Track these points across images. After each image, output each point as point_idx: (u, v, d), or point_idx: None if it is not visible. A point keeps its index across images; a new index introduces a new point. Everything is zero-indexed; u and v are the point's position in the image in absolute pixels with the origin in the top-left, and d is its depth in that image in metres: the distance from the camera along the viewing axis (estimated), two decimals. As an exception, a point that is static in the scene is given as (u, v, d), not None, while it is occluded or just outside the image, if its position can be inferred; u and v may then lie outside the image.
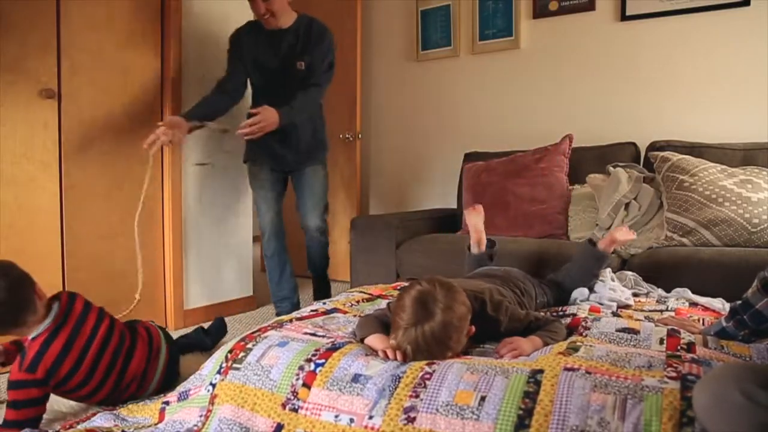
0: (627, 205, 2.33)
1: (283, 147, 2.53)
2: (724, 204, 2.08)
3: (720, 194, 2.11)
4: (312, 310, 1.60)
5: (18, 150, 2.03)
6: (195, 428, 1.21)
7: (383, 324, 1.32)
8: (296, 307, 2.62)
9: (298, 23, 2.50)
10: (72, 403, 1.57)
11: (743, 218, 2.04)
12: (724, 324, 1.24)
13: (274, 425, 1.12)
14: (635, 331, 1.29)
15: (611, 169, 2.46)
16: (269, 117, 2.28)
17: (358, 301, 1.73)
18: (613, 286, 1.78)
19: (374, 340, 1.27)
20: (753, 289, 1.16)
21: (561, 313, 1.57)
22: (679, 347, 1.17)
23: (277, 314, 2.63)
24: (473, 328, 1.26)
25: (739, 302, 1.21)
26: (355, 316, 1.55)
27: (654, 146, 2.58)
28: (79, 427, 1.33)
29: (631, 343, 1.22)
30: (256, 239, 4.09)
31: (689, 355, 1.09)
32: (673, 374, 0.97)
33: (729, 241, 2.06)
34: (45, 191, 2.12)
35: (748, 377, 0.75)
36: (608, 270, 1.89)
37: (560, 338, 1.30)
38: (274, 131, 2.34)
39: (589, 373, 1.00)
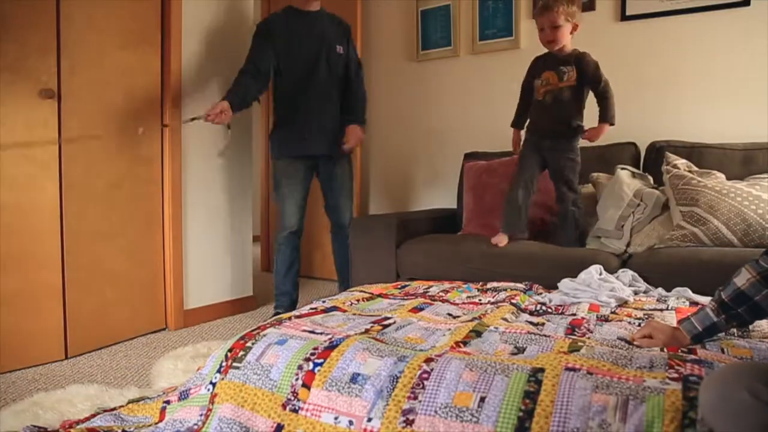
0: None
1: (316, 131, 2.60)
2: (736, 199, 2.06)
3: (731, 190, 2.09)
4: (311, 308, 1.60)
5: (18, 150, 2.03)
6: (195, 427, 1.21)
7: None
8: (294, 304, 2.72)
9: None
10: (81, 406, 1.57)
11: (756, 213, 2.02)
12: (715, 319, 1.17)
13: (274, 426, 1.12)
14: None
15: (618, 171, 2.44)
16: (358, 133, 2.65)
17: (358, 300, 1.73)
18: (611, 281, 1.79)
19: None
20: (748, 281, 1.11)
21: (562, 312, 1.57)
22: (680, 350, 1.17)
23: (276, 307, 2.72)
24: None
25: (728, 295, 1.15)
26: (354, 314, 1.55)
27: (654, 146, 2.58)
28: (78, 426, 1.33)
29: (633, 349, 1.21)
30: (256, 239, 4.09)
31: (691, 356, 1.09)
32: (675, 375, 0.97)
33: (743, 236, 2.01)
34: (45, 191, 2.11)
35: (754, 376, 0.74)
36: (600, 267, 1.90)
37: None
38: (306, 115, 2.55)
39: (591, 373, 1.00)
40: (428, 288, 1.96)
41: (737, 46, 2.59)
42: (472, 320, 1.42)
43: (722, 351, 1.17)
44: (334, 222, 2.78)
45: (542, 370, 1.02)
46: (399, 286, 2.00)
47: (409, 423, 1.00)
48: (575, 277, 1.89)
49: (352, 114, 2.69)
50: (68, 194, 2.18)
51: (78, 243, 2.23)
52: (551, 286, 1.94)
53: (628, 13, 2.82)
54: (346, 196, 2.74)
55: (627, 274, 1.92)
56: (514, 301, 1.68)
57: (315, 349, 1.21)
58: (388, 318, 1.47)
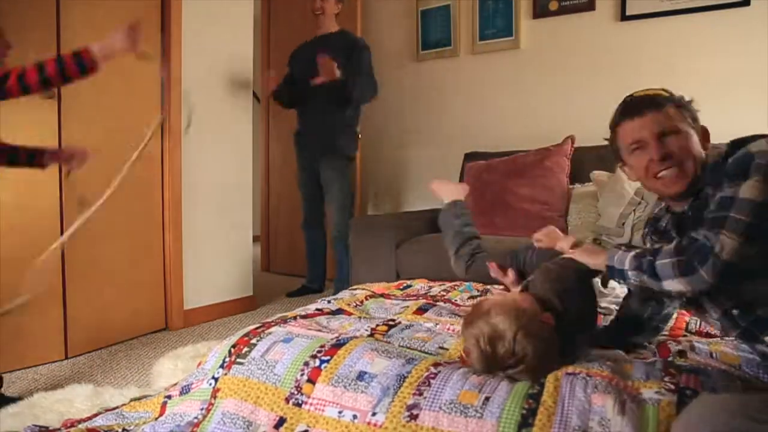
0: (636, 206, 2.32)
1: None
2: None
3: None
4: (317, 309, 1.61)
5: (18, 150, 2.03)
6: (195, 421, 1.21)
7: None
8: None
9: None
10: (80, 406, 1.57)
11: None
12: (627, 267, 1.04)
13: (277, 419, 1.12)
14: None
15: (619, 169, 2.43)
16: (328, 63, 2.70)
17: (361, 301, 1.73)
18: (612, 286, 1.80)
19: None
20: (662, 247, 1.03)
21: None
22: (671, 356, 1.18)
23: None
24: (549, 316, 1.13)
25: (648, 252, 1.05)
26: (359, 317, 1.55)
27: (654, 146, 2.58)
28: (80, 426, 1.33)
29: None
30: (256, 239, 4.08)
31: (685, 363, 1.09)
32: (671, 387, 0.97)
33: None
34: (45, 191, 2.11)
35: (724, 419, 0.73)
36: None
37: None
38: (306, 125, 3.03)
39: (590, 376, 1.01)
40: (430, 288, 1.96)
41: (737, 46, 2.59)
42: None
43: (710, 356, 1.17)
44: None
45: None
46: (401, 286, 2.00)
47: (413, 417, 1.01)
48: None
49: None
50: (68, 194, 2.18)
51: (78, 243, 2.22)
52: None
53: (628, 13, 2.82)
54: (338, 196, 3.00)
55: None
56: None
57: (322, 346, 1.22)
58: (393, 319, 1.48)
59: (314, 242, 3.14)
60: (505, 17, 3.15)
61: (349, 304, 1.67)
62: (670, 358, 1.15)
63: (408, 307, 1.63)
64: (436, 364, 1.12)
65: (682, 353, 1.19)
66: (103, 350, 2.29)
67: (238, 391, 1.21)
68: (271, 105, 4.15)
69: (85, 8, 2.21)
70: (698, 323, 1.47)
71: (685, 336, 1.37)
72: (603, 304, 1.67)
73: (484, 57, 3.27)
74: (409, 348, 1.25)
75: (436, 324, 1.45)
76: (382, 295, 1.82)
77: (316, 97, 2.85)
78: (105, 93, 2.32)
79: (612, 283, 1.86)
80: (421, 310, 1.60)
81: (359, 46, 2.89)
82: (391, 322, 1.44)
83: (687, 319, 1.50)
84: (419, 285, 2.05)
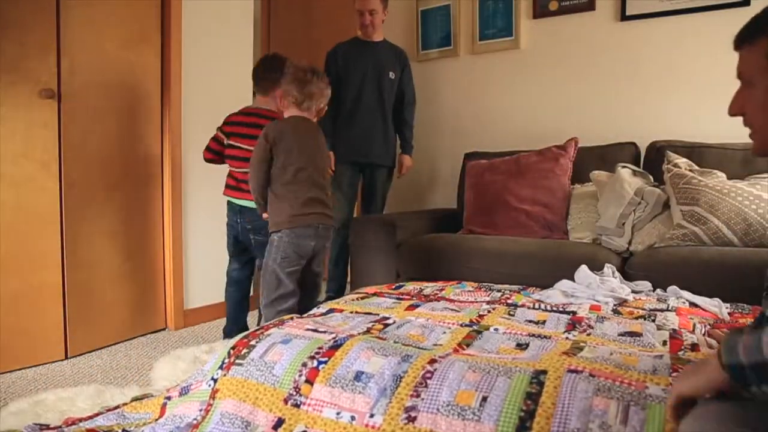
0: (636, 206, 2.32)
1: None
2: (737, 198, 2.06)
3: (732, 189, 2.09)
4: (310, 312, 1.61)
5: (18, 150, 2.03)
6: (194, 422, 1.21)
7: None
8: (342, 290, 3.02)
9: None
10: (82, 405, 1.57)
11: (757, 213, 2.01)
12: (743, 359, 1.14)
13: (275, 419, 1.12)
14: (638, 334, 1.29)
15: (619, 169, 2.44)
16: (408, 163, 3.09)
17: (353, 299, 1.74)
18: (610, 281, 1.80)
19: None
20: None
21: (561, 309, 1.57)
22: (683, 348, 1.17)
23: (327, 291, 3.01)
24: None
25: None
26: (352, 312, 1.55)
27: (654, 146, 2.58)
28: (80, 425, 1.33)
29: (636, 344, 1.22)
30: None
31: (693, 359, 1.08)
32: None
33: (744, 236, 2.01)
34: (45, 191, 2.11)
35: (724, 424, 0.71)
36: (585, 267, 1.89)
37: None
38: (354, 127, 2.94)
39: (593, 376, 1.00)
40: (422, 289, 1.95)
41: (737, 46, 2.59)
42: (470, 323, 1.42)
43: None
44: None
45: (544, 372, 1.03)
46: (393, 287, 1.99)
47: (411, 420, 1.00)
48: (573, 276, 1.89)
49: (403, 143, 3.08)
50: (68, 194, 2.18)
51: (78, 243, 2.23)
52: (548, 287, 1.93)
53: (628, 13, 2.82)
54: (378, 205, 3.08)
55: (609, 269, 1.92)
56: (510, 300, 1.68)
57: (320, 348, 1.22)
58: (387, 318, 1.48)
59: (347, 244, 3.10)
60: (505, 17, 3.15)
61: (338, 303, 1.68)
62: (680, 352, 1.15)
63: (400, 304, 1.63)
64: (431, 361, 1.12)
65: (695, 346, 1.19)
66: (103, 350, 2.29)
67: (236, 391, 1.21)
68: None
69: (85, 8, 2.21)
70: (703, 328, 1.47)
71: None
72: (598, 297, 1.67)
73: (484, 57, 3.27)
74: (404, 345, 1.24)
75: (428, 319, 1.45)
76: (374, 294, 1.82)
77: (369, 104, 2.94)
78: (105, 93, 2.33)
79: (606, 274, 1.86)
80: (412, 307, 1.59)
81: (408, 61, 3.08)
82: (385, 321, 1.45)
83: (696, 318, 1.50)
84: (411, 286, 2.04)
